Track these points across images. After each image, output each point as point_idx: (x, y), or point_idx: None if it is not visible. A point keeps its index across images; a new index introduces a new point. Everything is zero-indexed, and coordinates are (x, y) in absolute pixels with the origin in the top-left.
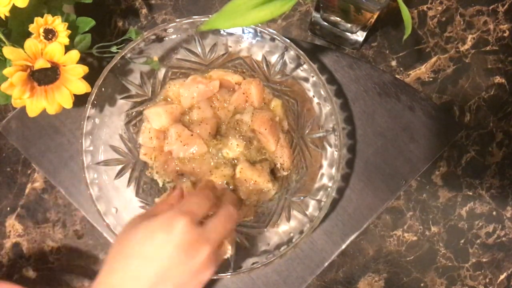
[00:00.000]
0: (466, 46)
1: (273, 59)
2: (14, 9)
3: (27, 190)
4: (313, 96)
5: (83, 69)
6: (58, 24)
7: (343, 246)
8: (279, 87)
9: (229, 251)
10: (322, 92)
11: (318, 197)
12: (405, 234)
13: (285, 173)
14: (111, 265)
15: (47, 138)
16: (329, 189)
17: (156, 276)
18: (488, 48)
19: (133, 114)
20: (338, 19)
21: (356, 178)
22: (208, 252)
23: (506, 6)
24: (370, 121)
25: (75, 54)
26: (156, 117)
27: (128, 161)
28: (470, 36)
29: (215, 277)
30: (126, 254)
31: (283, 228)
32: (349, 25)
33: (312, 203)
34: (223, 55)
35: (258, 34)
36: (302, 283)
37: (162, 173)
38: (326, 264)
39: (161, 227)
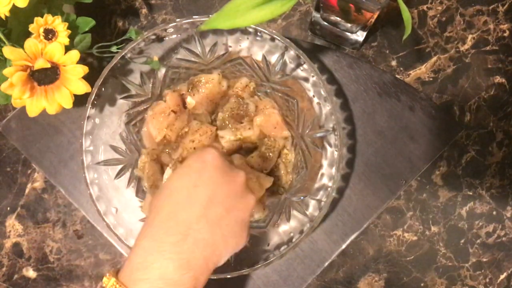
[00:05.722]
0: (466, 46)
1: (273, 59)
2: (14, 9)
3: (27, 190)
4: (313, 96)
5: (83, 69)
6: (58, 24)
7: (343, 246)
8: (279, 87)
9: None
10: (322, 92)
11: (318, 197)
12: (405, 234)
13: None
14: (160, 206)
15: (47, 138)
16: (329, 189)
17: (206, 198)
18: (488, 48)
19: (133, 114)
20: (338, 19)
21: (356, 178)
22: (245, 176)
23: (506, 6)
24: (370, 121)
25: (75, 54)
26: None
27: (128, 161)
28: (470, 36)
29: (215, 277)
30: (170, 192)
31: (283, 228)
32: (349, 25)
33: (312, 203)
34: (223, 55)
35: (258, 34)
36: (302, 283)
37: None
38: (326, 264)
39: (194, 160)
